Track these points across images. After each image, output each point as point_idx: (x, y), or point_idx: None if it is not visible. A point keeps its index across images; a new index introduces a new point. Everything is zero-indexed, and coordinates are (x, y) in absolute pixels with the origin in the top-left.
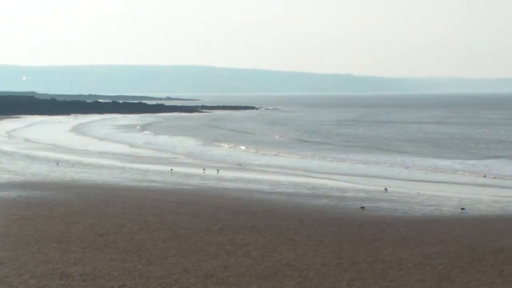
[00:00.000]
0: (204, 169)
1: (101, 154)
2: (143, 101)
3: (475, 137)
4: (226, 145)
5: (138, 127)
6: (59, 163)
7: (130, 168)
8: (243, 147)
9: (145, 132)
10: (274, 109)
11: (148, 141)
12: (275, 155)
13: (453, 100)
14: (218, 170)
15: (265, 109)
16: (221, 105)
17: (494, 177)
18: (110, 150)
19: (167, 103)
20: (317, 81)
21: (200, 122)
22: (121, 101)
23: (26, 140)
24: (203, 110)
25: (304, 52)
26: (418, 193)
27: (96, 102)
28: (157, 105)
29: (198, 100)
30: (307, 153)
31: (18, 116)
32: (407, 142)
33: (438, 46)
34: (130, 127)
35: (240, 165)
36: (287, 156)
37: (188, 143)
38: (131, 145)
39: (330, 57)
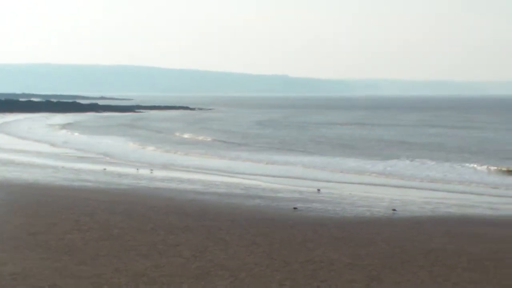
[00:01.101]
0: (137, 169)
1: (24, 152)
2: (78, 100)
3: (385, 139)
4: (137, 145)
5: (59, 126)
6: None
7: (62, 167)
8: (156, 147)
9: (66, 131)
10: (209, 109)
11: (68, 140)
12: (196, 155)
13: (382, 102)
14: (152, 170)
15: (200, 109)
16: (156, 105)
17: (421, 180)
18: (30, 149)
19: (101, 102)
20: (255, 82)
21: (127, 121)
22: (55, 100)
23: None
24: (138, 110)
25: (242, 53)
26: (350, 194)
27: (29, 101)
28: (91, 104)
29: (132, 99)
30: (230, 153)
31: None
32: (322, 144)
33: (378, 47)
34: (53, 126)
35: (151, 170)
36: (205, 156)
37: (107, 142)
38: (51, 144)
39: (267, 59)
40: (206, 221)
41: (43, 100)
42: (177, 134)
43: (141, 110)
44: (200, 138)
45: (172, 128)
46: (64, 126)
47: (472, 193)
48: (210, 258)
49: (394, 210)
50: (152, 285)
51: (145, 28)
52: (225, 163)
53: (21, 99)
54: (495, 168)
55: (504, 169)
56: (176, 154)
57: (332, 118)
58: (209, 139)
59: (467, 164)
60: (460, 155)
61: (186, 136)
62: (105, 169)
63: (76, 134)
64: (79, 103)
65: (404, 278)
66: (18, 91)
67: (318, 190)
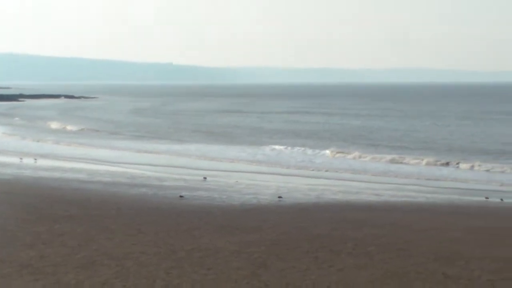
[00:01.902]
0: (21, 158)
1: None
2: None
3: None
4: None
5: None
6: None
7: None
8: (29, 136)
9: None
10: (93, 98)
11: None
12: (75, 145)
13: (263, 90)
14: (35, 159)
15: (84, 98)
16: (39, 93)
17: (310, 169)
18: None
19: None
20: (139, 70)
21: (3, 110)
22: None
23: None
24: (21, 99)
25: (127, 41)
26: (236, 181)
27: None
28: None
29: (10, 88)
30: (101, 141)
31: None
32: (196, 132)
33: (261, 35)
34: None
35: (35, 160)
36: (76, 145)
37: None
38: None
39: (151, 46)
40: (91, 210)
41: None
42: (50, 123)
43: (24, 99)
44: (70, 128)
45: (47, 116)
46: None
47: (357, 180)
48: (96, 248)
49: (280, 197)
50: (37, 275)
51: (28, 16)
52: (106, 152)
53: None
54: (378, 156)
55: (389, 157)
56: (58, 144)
57: (211, 105)
58: (81, 127)
59: (338, 150)
60: (334, 142)
61: (55, 125)
62: None
63: None
64: None
65: (289, 265)
66: None
67: (204, 178)
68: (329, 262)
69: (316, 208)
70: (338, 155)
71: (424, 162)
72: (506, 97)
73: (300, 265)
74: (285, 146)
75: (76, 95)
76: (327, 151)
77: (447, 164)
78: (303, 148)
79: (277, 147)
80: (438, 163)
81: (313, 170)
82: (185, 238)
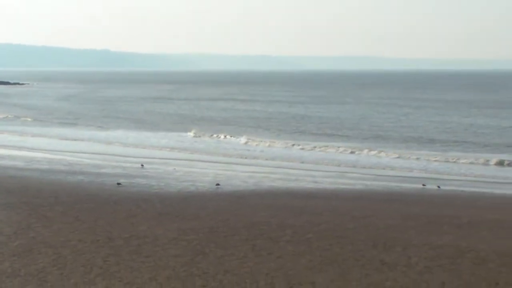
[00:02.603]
0: None
1: None
2: None
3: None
4: None
5: None
6: None
7: None
8: None
9: None
10: (24, 84)
11: None
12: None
13: (195, 77)
14: None
15: (18, 84)
16: None
17: (245, 157)
18: None
19: None
20: (76, 57)
21: None
22: None
23: None
24: None
25: (63, 27)
26: (174, 169)
27: None
28: None
29: None
30: (26, 128)
31: None
32: (121, 119)
33: (196, 22)
34: None
35: None
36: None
37: None
38: None
39: (89, 33)
40: (28, 197)
41: None
42: None
43: None
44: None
45: None
46: None
47: (296, 168)
48: (33, 235)
49: (218, 184)
50: None
51: None
52: (36, 140)
53: None
54: (314, 145)
55: (324, 145)
56: None
57: (140, 92)
58: (5, 115)
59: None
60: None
61: None
62: None
63: None
64: None
65: (228, 252)
66: None
67: (142, 165)
68: (268, 249)
69: (255, 195)
70: (256, 143)
71: (365, 151)
72: (424, 85)
73: (238, 253)
74: (209, 134)
75: (11, 81)
76: (242, 138)
77: (362, 151)
78: (223, 135)
79: (189, 133)
80: (365, 151)
81: (246, 158)
82: (123, 226)
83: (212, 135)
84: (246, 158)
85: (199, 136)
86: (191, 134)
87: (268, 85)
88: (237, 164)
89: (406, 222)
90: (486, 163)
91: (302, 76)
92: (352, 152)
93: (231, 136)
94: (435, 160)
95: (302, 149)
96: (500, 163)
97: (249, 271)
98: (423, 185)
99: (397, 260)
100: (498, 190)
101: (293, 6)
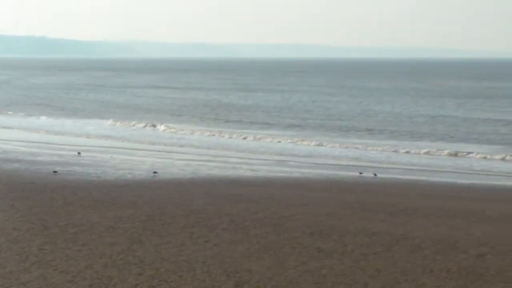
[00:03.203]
0: None
1: None
2: None
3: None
4: None
5: None
6: None
7: None
8: None
9: None
10: None
11: None
12: None
13: (133, 64)
14: None
15: None
16: None
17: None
18: None
19: None
20: (11, 43)
21: None
22: None
23: None
24: None
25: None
26: (111, 157)
27: None
28: None
29: None
30: None
31: None
32: (40, 106)
33: (135, 9)
34: None
35: None
36: None
37: None
38: None
39: (24, 19)
40: None
41: None
42: None
43: None
44: None
45: None
46: None
47: (233, 156)
48: None
49: (155, 172)
50: None
51: None
52: None
53: None
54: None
55: (248, 133)
56: None
57: (71, 79)
58: None
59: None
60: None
61: None
62: None
63: None
64: None
65: (164, 240)
66: None
67: (79, 153)
68: (205, 237)
69: (192, 183)
70: (175, 131)
71: (313, 142)
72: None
73: (175, 241)
74: (128, 122)
75: None
76: (161, 126)
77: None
78: (143, 124)
79: (108, 121)
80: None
81: (188, 147)
82: (59, 214)
83: (131, 123)
84: (168, 145)
85: (115, 124)
86: (109, 122)
87: (202, 73)
88: (169, 152)
89: (342, 210)
90: (424, 152)
91: (238, 64)
92: (279, 142)
93: (150, 125)
94: (372, 149)
95: (230, 137)
96: (430, 153)
97: (186, 259)
98: (360, 173)
99: (333, 247)
100: (433, 178)
101: None
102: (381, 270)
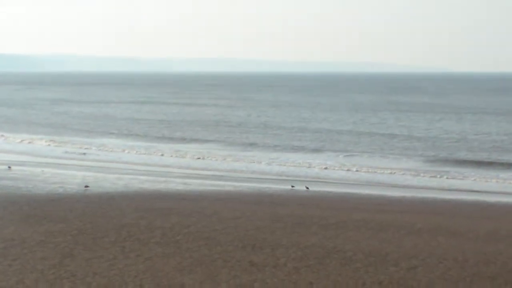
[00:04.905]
0: None
1: None
2: None
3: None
4: None
5: None
6: None
7: None
8: None
9: None
10: None
11: None
12: None
13: (43, 78)
14: None
15: None
16: None
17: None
18: None
19: None
20: None
21: None
22: None
23: None
24: None
25: None
26: (42, 171)
27: None
28: None
29: None
30: None
31: None
32: None
33: (65, 22)
34: None
35: None
36: None
37: None
38: None
39: None
40: None
41: None
42: None
43: None
44: None
45: None
46: None
47: (167, 167)
48: None
49: (86, 186)
50: None
51: None
52: None
53: None
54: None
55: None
56: None
57: None
58: None
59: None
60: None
61: None
62: None
63: None
64: None
65: (96, 254)
66: None
67: (9, 167)
68: (137, 251)
69: (124, 197)
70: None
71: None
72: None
73: (107, 255)
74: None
75: None
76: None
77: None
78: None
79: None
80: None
81: (120, 163)
82: None
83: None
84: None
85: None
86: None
87: (105, 86)
88: (104, 167)
89: (275, 223)
90: (349, 167)
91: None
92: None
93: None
94: (303, 165)
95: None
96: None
97: (118, 273)
98: (292, 186)
99: (266, 261)
100: (364, 191)
101: (164, 6)
102: (313, 283)
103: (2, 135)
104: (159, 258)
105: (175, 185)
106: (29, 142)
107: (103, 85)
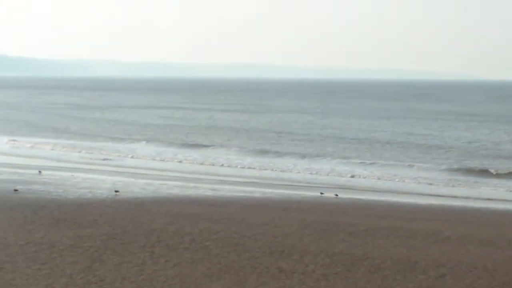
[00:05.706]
0: None
1: None
2: None
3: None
4: None
5: None
6: None
7: None
8: None
9: None
10: None
11: None
12: None
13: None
14: None
15: None
16: None
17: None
18: None
19: None
20: None
21: None
22: None
23: None
24: None
25: None
26: (72, 175)
27: None
28: None
29: None
30: None
31: None
32: None
33: (86, 27)
34: None
35: None
36: None
37: None
38: None
39: None
40: None
41: None
42: None
43: None
44: None
45: None
46: None
47: (195, 174)
48: None
49: (116, 191)
50: None
51: None
52: None
53: None
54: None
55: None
56: None
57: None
58: None
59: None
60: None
61: None
62: None
63: None
64: None
65: (125, 259)
66: None
67: (40, 171)
68: (166, 256)
69: (153, 202)
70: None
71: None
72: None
73: (136, 260)
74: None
75: None
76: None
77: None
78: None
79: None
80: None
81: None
82: (18, 232)
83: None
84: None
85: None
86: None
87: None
88: (133, 172)
89: (303, 229)
90: (379, 176)
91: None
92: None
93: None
94: (330, 173)
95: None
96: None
97: (147, 278)
98: (321, 193)
99: (294, 267)
100: (392, 198)
101: (186, 12)
102: None
103: (33, 141)
104: (188, 264)
105: (204, 191)
106: (56, 148)
107: (130, 90)
